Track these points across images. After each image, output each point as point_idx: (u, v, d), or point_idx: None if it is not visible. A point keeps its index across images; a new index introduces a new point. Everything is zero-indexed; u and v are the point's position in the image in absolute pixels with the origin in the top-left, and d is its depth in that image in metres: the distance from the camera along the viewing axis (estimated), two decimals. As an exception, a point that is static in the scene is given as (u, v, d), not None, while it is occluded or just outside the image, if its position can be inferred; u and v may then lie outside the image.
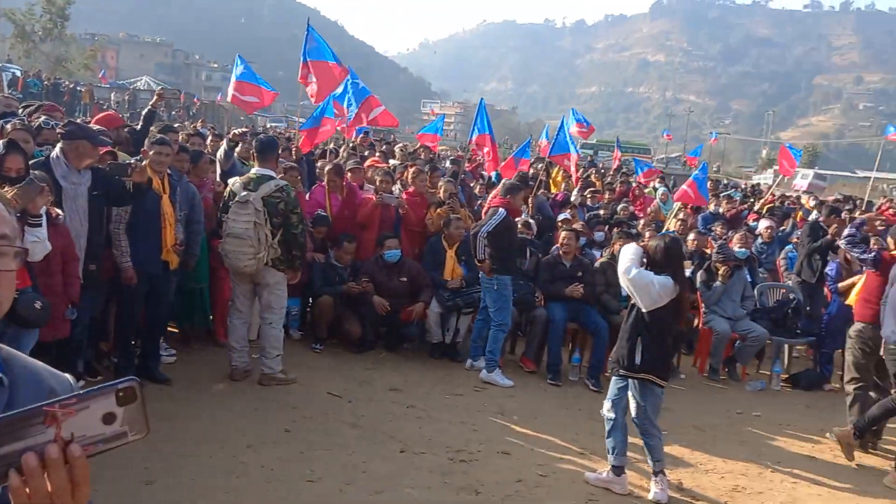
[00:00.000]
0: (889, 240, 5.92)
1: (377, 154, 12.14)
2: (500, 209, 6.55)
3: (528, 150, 14.68)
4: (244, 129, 7.87)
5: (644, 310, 4.39)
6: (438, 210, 7.45)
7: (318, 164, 10.02)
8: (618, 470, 4.54)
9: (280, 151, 7.05)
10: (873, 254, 5.78)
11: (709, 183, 20.27)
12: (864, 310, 5.79)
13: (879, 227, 7.68)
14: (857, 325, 5.83)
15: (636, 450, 5.01)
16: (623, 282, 4.58)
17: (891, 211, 13.75)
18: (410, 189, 7.80)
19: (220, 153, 7.08)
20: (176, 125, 12.88)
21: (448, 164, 13.09)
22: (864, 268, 6.14)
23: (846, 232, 6.23)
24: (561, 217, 9.45)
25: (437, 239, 7.27)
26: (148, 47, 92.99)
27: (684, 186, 11.47)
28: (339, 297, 6.82)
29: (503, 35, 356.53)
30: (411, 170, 8.11)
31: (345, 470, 4.44)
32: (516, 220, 7.21)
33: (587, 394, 6.52)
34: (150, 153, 5.26)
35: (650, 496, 4.48)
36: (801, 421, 6.37)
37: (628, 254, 4.50)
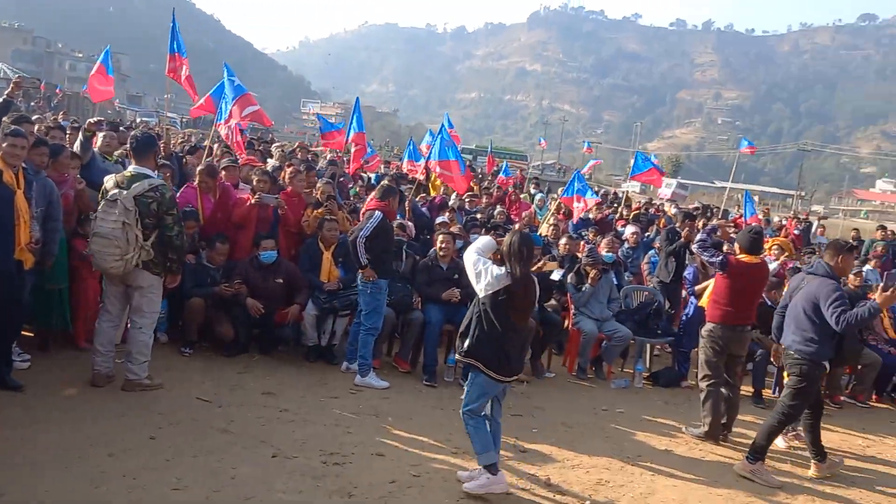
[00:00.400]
0: (735, 245, 6.37)
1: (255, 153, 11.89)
2: (377, 212, 6.56)
3: (418, 154, 14.85)
4: (99, 119, 7.43)
5: (479, 295, 4.52)
6: (315, 211, 7.37)
7: (186, 159, 9.67)
8: (492, 468, 4.60)
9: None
10: (721, 257, 6.20)
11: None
12: (714, 311, 6.21)
13: (732, 234, 8.27)
14: (708, 326, 6.24)
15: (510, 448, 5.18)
16: (466, 265, 4.70)
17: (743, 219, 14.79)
18: (288, 189, 7.68)
19: (77, 145, 6.71)
20: (35, 116, 12.06)
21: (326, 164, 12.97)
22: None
23: (698, 237, 6.65)
24: (439, 220, 9.58)
25: (314, 240, 7.19)
26: (5, 32, 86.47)
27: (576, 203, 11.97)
28: (210, 298, 6.62)
29: (385, 37, 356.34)
30: (288, 170, 7.98)
31: (213, 476, 4.31)
32: (393, 223, 7.24)
33: (462, 394, 6.61)
34: (3, 145, 4.92)
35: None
36: (659, 416, 6.75)
37: (480, 242, 4.69)
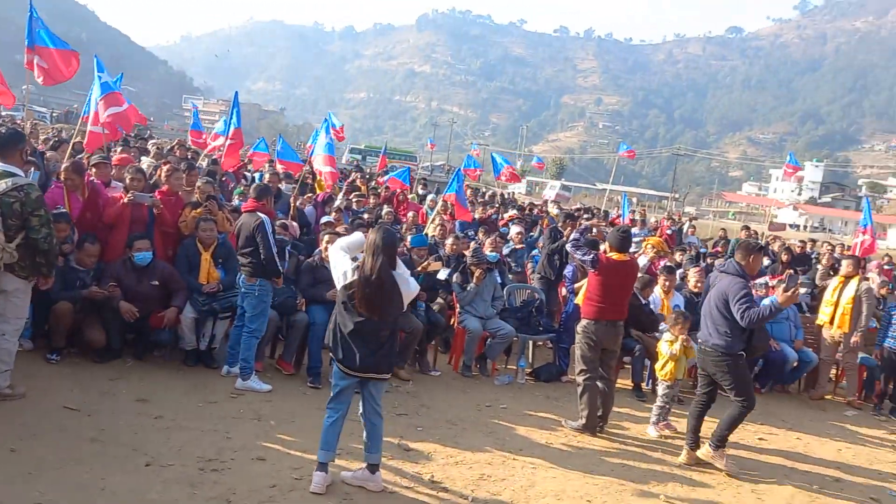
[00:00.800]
0: (605, 244, 6.63)
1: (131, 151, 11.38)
2: (263, 218, 6.42)
3: (296, 154, 14.58)
4: None
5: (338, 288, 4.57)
6: (193, 211, 7.13)
7: (47, 155, 9.12)
8: (372, 468, 4.63)
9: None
10: (592, 255, 6.44)
11: (468, 191, 21.41)
12: (588, 307, 6.46)
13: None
14: (582, 322, 6.48)
15: (393, 448, 5.19)
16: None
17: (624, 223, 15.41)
18: (164, 188, 7.38)
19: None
20: None
21: (206, 163, 12.58)
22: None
23: (571, 236, 6.88)
24: (324, 220, 9.49)
25: (192, 241, 6.95)
26: None
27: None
28: (79, 302, 6.28)
29: (272, 34, 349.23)
30: (165, 168, 7.68)
31: (81, 489, 4.10)
32: (276, 222, 7.10)
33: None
34: None
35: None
36: (540, 410, 6.94)
37: (346, 239, 4.73)
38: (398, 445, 5.48)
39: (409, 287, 4.63)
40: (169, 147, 15.10)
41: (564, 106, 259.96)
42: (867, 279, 10.68)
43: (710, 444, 5.90)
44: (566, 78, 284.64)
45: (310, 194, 12.17)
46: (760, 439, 6.90)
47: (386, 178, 18.05)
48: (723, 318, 5.71)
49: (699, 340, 6.01)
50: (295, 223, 8.78)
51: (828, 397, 8.94)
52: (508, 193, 40.67)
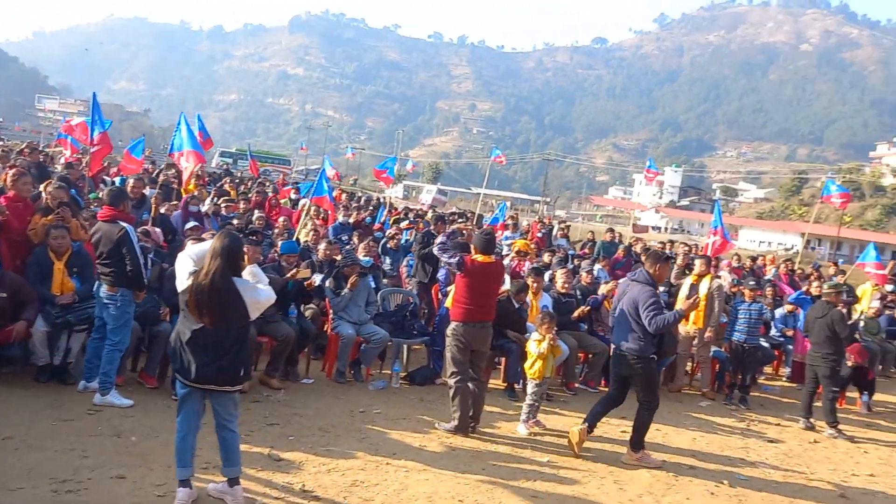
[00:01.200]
0: (472, 247, 6.76)
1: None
2: (127, 228, 6.11)
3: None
4: None
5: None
6: (43, 218, 6.70)
7: None
8: (231, 482, 4.47)
9: None
10: (457, 258, 6.56)
11: (343, 195, 21.26)
12: (456, 310, 6.56)
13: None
14: (451, 324, 6.57)
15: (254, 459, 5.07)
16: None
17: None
18: (10, 193, 6.89)
19: None
20: None
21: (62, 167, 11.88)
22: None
23: (438, 240, 6.97)
24: (188, 226, 9.17)
25: (43, 249, 6.52)
26: None
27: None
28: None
29: (134, 32, 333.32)
30: (10, 172, 7.17)
31: (-86, 521, 3.77)
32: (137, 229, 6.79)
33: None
34: None
35: None
36: (414, 414, 6.99)
37: (201, 245, 4.61)
38: (268, 456, 5.37)
39: (257, 295, 4.42)
40: (19, 149, 14.12)
41: (440, 111, 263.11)
42: (719, 277, 11.44)
43: (630, 450, 6.29)
44: (441, 83, 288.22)
45: (176, 201, 11.72)
46: (623, 432, 7.22)
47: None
48: (635, 323, 6.11)
49: (613, 345, 6.42)
50: (158, 229, 8.43)
51: (685, 390, 9.49)
52: (384, 197, 40.74)
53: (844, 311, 9.06)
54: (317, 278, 8.02)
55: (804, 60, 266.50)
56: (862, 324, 10.94)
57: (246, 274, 4.49)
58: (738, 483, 6.11)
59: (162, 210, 9.77)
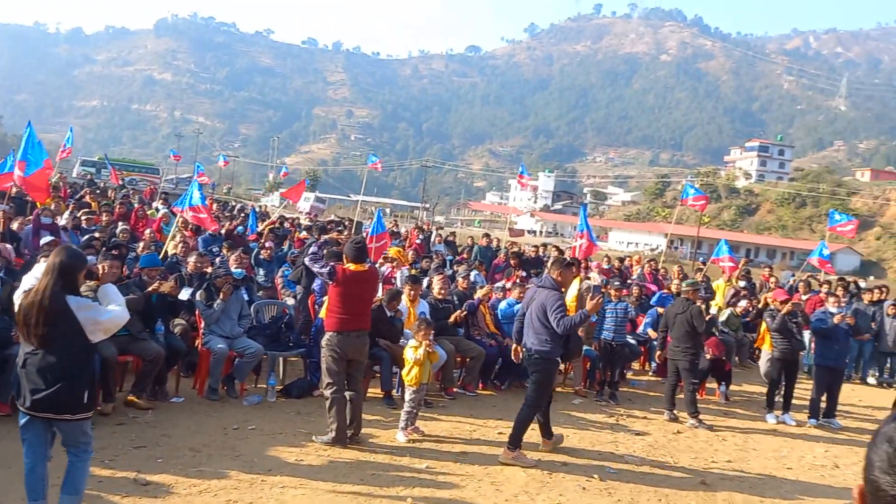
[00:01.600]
0: (344, 256, 6.72)
1: None
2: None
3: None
4: None
5: None
6: None
7: None
8: None
9: None
10: (329, 268, 6.51)
11: (214, 205, 20.63)
12: (330, 319, 6.51)
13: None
14: (326, 335, 6.51)
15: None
16: None
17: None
18: None
19: None
20: None
21: None
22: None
23: (310, 249, 6.90)
24: (44, 241, 8.63)
25: None
26: None
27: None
28: None
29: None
30: None
31: None
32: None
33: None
34: None
35: None
36: (291, 428, 6.85)
37: (39, 267, 4.31)
38: (134, 480, 5.12)
39: (96, 315, 4.10)
40: None
41: (316, 117, 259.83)
42: (588, 279, 11.89)
43: (507, 448, 6.44)
44: (317, 90, 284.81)
45: (31, 215, 11.00)
46: (500, 433, 7.37)
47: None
48: (543, 327, 6.44)
49: (524, 347, 6.68)
50: (9, 246, 7.88)
51: (559, 388, 9.78)
52: (260, 206, 39.86)
53: (703, 306, 9.64)
54: (185, 293, 7.72)
55: (664, 70, 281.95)
56: (724, 318, 11.67)
57: (87, 291, 4.24)
58: (608, 476, 6.36)
59: (14, 225, 9.16)
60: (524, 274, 13.45)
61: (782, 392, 9.46)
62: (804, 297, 12.57)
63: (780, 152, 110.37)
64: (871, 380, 13.16)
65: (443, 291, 9.42)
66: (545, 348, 6.46)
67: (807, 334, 10.31)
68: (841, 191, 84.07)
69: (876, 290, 13.98)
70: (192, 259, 9.04)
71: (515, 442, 6.44)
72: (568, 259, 7.51)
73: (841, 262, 60.57)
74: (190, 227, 11.75)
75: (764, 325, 9.98)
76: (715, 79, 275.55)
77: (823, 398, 9.34)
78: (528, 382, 6.73)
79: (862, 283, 16.80)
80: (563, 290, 6.75)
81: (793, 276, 17.90)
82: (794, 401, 9.58)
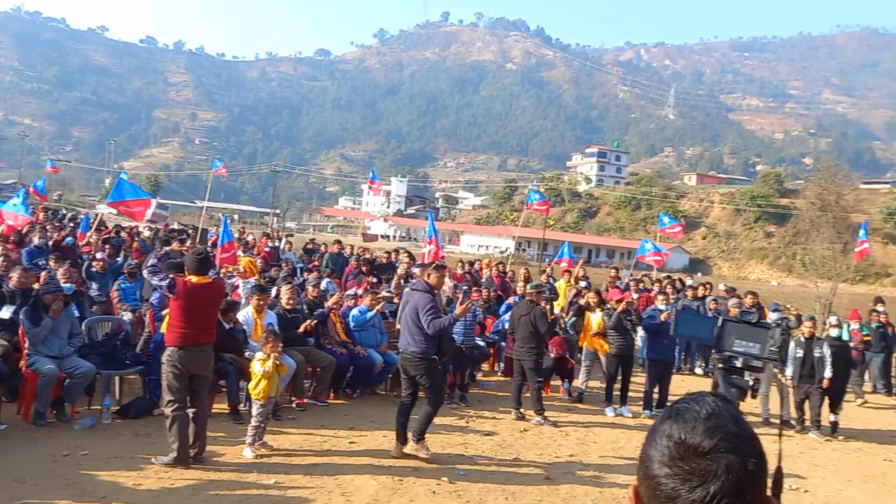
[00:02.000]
0: (186, 268, 6.46)
1: None
2: None
3: None
4: None
5: None
6: None
7: None
8: None
9: None
10: (168, 280, 6.23)
11: (42, 214, 19.24)
12: (171, 334, 6.23)
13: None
14: (167, 350, 6.22)
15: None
16: None
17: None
18: None
19: None
20: None
21: None
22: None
23: (149, 261, 6.56)
24: None
25: None
26: None
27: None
28: None
29: None
30: None
31: None
32: None
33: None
34: None
35: None
36: (129, 450, 6.47)
37: None
38: None
39: None
40: None
41: (157, 120, 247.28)
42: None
43: (412, 439, 6.86)
44: (157, 91, 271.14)
45: None
46: (351, 443, 7.35)
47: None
48: (417, 328, 6.78)
49: (399, 349, 7.03)
50: None
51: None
52: (97, 214, 37.52)
53: (547, 307, 10.07)
54: (5, 311, 7.13)
55: (509, 78, 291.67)
56: (571, 321, 12.17)
57: None
58: (457, 478, 6.49)
59: None
60: (375, 280, 13.48)
61: (619, 387, 10.05)
62: (635, 296, 13.38)
63: (617, 158, 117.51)
64: (698, 370, 14.26)
65: (291, 302, 9.25)
66: (419, 349, 6.79)
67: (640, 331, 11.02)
68: (671, 194, 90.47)
69: (700, 287, 15.20)
70: (14, 275, 8.35)
71: (419, 434, 6.86)
72: (437, 263, 8.11)
73: (671, 260, 65.12)
74: (11, 238, 10.87)
75: (585, 323, 10.64)
76: (557, 87, 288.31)
77: (656, 390, 9.99)
78: (422, 387, 6.97)
79: (689, 281, 18.09)
80: (435, 292, 7.06)
81: (630, 274, 19.08)
82: (630, 394, 10.20)
